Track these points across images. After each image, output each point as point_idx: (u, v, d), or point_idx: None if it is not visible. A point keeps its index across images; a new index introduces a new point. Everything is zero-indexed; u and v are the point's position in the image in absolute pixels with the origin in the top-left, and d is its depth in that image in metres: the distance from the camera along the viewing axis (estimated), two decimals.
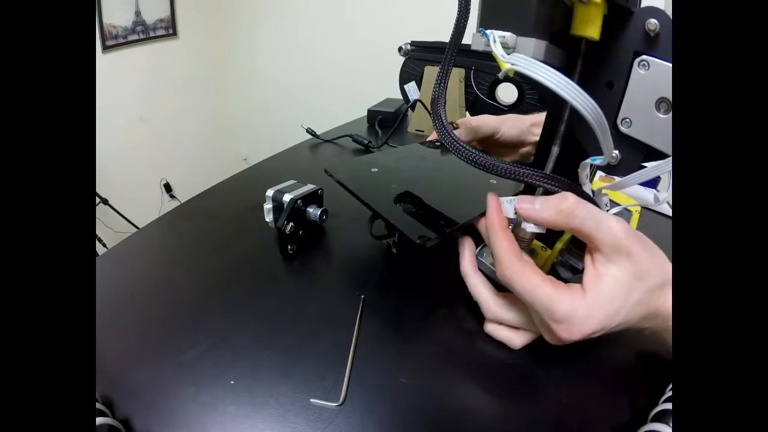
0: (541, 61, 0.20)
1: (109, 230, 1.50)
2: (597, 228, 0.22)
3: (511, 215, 0.25)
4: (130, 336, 0.29)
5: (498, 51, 0.21)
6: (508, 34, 0.21)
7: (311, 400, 0.24)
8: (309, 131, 0.78)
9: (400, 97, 0.95)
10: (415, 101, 0.81)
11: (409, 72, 0.91)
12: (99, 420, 0.21)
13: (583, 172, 0.26)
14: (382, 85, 1.16)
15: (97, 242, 1.39)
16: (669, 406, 0.22)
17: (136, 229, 1.23)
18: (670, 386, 0.24)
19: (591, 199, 0.24)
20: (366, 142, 0.71)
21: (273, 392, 0.25)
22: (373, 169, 0.39)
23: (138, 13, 1.61)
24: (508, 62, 0.20)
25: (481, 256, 0.32)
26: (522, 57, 0.20)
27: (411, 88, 0.92)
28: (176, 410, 0.24)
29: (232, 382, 0.25)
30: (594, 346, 0.28)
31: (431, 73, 0.79)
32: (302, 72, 1.90)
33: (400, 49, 0.47)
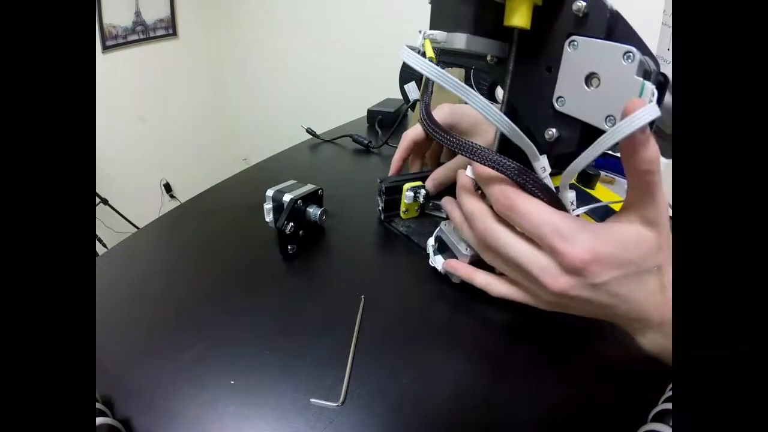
0: (465, 50, 0.24)
1: (109, 230, 1.49)
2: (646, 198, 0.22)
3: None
4: (130, 336, 0.29)
5: (419, 45, 0.25)
6: (437, 31, 0.24)
7: (311, 400, 0.24)
8: (309, 131, 0.78)
9: (400, 97, 0.95)
10: (415, 101, 0.81)
11: (409, 72, 0.91)
12: (99, 420, 0.21)
13: (539, 167, 0.25)
14: (382, 85, 1.16)
15: (97, 242, 1.39)
16: (669, 406, 0.22)
17: (136, 229, 1.23)
18: (670, 386, 0.24)
19: (556, 196, 0.24)
20: (366, 142, 0.71)
21: (273, 392, 0.25)
22: None
23: (138, 13, 1.61)
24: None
25: (445, 226, 0.33)
26: (408, 51, 0.23)
27: (411, 88, 0.92)
28: (176, 410, 0.24)
29: (232, 382, 0.25)
30: (593, 344, 0.28)
31: None
32: (302, 72, 1.89)
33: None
